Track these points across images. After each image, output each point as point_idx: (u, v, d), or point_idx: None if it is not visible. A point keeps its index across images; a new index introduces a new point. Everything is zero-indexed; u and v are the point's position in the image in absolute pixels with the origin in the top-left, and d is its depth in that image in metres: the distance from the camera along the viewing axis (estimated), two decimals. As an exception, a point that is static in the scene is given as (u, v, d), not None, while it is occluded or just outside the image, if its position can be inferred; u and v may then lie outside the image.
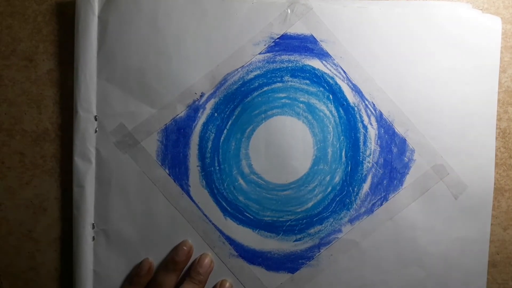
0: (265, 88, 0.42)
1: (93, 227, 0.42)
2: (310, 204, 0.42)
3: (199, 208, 0.42)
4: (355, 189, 0.42)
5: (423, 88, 0.42)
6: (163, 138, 0.42)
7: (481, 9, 0.43)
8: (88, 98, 0.41)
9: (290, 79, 0.42)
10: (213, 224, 0.42)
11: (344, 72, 0.42)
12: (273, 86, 0.42)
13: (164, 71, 0.42)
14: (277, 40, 0.42)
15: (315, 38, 0.42)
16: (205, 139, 0.42)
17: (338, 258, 0.42)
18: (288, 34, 0.42)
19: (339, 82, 0.42)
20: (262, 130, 0.42)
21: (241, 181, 0.42)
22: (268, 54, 0.42)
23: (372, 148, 0.42)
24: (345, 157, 0.42)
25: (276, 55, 0.42)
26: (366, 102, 0.42)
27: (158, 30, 0.41)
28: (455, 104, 0.42)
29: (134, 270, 0.42)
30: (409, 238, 0.42)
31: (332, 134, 0.42)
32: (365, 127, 0.42)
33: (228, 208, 0.42)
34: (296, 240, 0.42)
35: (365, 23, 0.41)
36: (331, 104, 0.42)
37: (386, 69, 0.42)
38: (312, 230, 0.42)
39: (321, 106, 0.42)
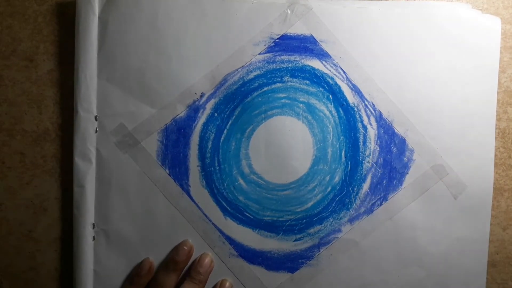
0: (265, 88, 0.42)
1: (94, 227, 0.42)
2: (310, 204, 0.42)
3: (199, 208, 0.42)
4: (355, 189, 0.42)
5: (422, 88, 0.42)
6: (163, 138, 0.42)
7: (481, 10, 0.43)
8: (89, 98, 0.41)
9: (290, 79, 0.42)
10: (213, 224, 0.42)
11: (344, 72, 0.42)
12: (273, 86, 0.42)
13: (164, 71, 0.42)
14: (277, 40, 0.42)
15: (315, 39, 0.42)
16: (205, 139, 0.42)
17: (338, 258, 0.42)
18: (288, 34, 0.42)
19: (339, 82, 0.42)
20: (262, 130, 0.42)
21: (241, 181, 0.42)
22: (268, 54, 0.42)
23: (372, 148, 0.42)
24: (345, 157, 0.42)
25: (276, 55, 0.42)
26: (366, 102, 0.42)
27: (158, 30, 0.42)
28: (455, 104, 0.42)
29: (134, 270, 0.42)
30: (409, 238, 0.42)
31: (331, 134, 0.42)
32: (364, 127, 0.42)
33: (228, 208, 0.42)
34: (296, 240, 0.42)
35: (365, 23, 0.42)
36: (331, 104, 0.42)
37: (386, 69, 0.42)
38: (312, 230, 0.42)
39: (321, 106, 0.42)
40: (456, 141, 0.42)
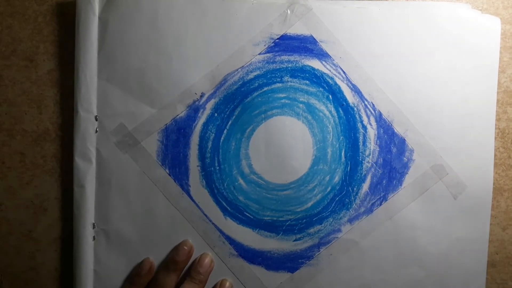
0: (265, 88, 0.42)
1: (94, 227, 0.42)
2: (309, 204, 0.42)
3: (199, 208, 0.42)
4: (355, 189, 0.42)
5: (422, 88, 0.42)
6: (163, 138, 0.42)
7: (481, 10, 0.43)
8: (89, 98, 0.41)
9: (289, 79, 0.42)
10: (213, 224, 0.42)
11: (344, 72, 0.42)
12: (273, 86, 0.42)
13: (164, 71, 0.42)
14: (277, 40, 0.42)
15: (314, 39, 0.42)
16: (205, 139, 0.42)
17: (338, 258, 0.42)
18: (288, 34, 0.42)
19: (339, 82, 0.42)
20: (262, 130, 0.42)
21: (241, 181, 0.42)
22: (268, 54, 0.42)
23: (372, 148, 0.42)
24: (345, 157, 0.42)
25: (276, 56, 0.42)
26: (366, 102, 0.42)
27: (158, 30, 0.42)
28: (455, 104, 0.42)
29: (134, 270, 0.42)
30: (409, 238, 0.42)
31: (331, 134, 0.42)
32: (364, 127, 0.42)
33: (228, 208, 0.42)
34: (295, 240, 0.42)
35: (365, 23, 0.42)
36: (331, 104, 0.42)
37: (386, 69, 0.42)
38: (311, 230, 0.43)
39: (320, 106, 0.42)
40: (456, 141, 0.42)
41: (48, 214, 0.43)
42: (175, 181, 0.42)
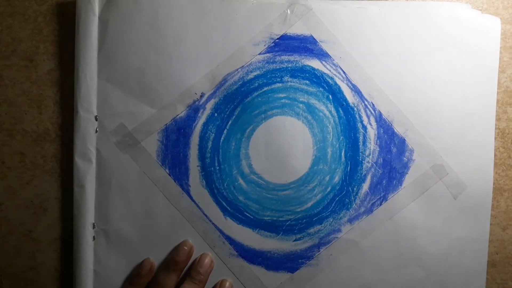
0: (265, 88, 0.42)
1: (94, 227, 0.42)
2: (309, 204, 0.42)
3: (199, 208, 0.42)
4: (355, 189, 0.42)
5: (422, 88, 0.42)
6: (163, 138, 0.42)
7: (481, 10, 0.43)
8: (89, 98, 0.41)
9: (289, 79, 0.42)
10: (213, 224, 0.42)
11: (344, 72, 0.42)
12: (273, 86, 0.42)
13: (164, 71, 0.42)
14: (277, 40, 0.42)
15: (314, 39, 0.42)
16: (205, 139, 0.42)
17: (338, 258, 0.42)
18: (288, 34, 0.42)
19: (339, 82, 0.42)
20: (262, 130, 0.42)
21: (241, 181, 0.42)
22: (268, 54, 0.42)
23: (372, 148, 0.42)
24: (345, 157, 0.42)
25: (276, 56, 0.42)
26: (366, 102, 0.42)
27: (158, 30, 0.42)
28: (455, 104, 0.42)
29: (134, 270, 0.42)
30: (409, 238, 0.42)
31: (331, 134, 0.42)
32: (364, 127, 0.42)
33: (228, 208, 0.42)
34: (295, 240, 0.42)
35: (365, 23, 0.42)
36: (331, 104, 0.42)
37: (386, 69, 0.42)
38: (311, 230, 0.43)
39: (320, 106, 0.42)
40: (456, 141, 0.42)
41: (48, 214, 0.43)
42: (175, 181, 0.42)
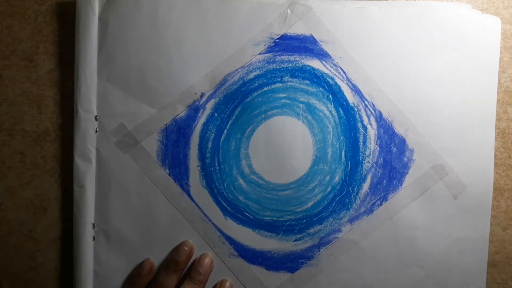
0: (265, 88, 0.42)
1: (94, 227, 0.42)
2: (310, 204, 0.42)
3: (199, 208, 0.42)
4: (355, 189, 0.42)
5: (422, 88, 0.42)
6: (163, 138, 0.42)
7: (481, 10, 0.43)
8: (89, 98, 0.41)
9: (290, 79, 0.42)
10: (213, 224, 0.42)
11: (344, 72, 0.42)
12: (273, 86, 0.42)
13: (164, 71, 0.42)
14: (277, 40, 0.42)
15: (315, 39, 0.42)
16: (205, 139, 0.42)
17: (338, 258, 0.42)
18: (288, 34, 0.42)
19: (339, 82, 0.42)
20: (262, 130, 0.42)
21: (241, 181, 0.42)
22: (268, 54, 0.42)
23: (372, 148, 0.42)
24: (345, 157, 0.42)
25: (276, 56, 0.42)
26: (366, 102, 0.42)
27: (158, 30, 0.42)
28: (455, 104, 0.42)
29: (135, 270, 0.42)
30: (409, 238, 0.42)
31: (331, 134, 0.42)
32: (364, 127, 0.42)
33: (228, 208, 0.42)
34: (296, 240, 0.42)
35: (365, 23, 0.42)
36: (331, 104, 0.42)
37: (386, 69, 0.42)
38: (312, 230, 0.42)
39: (320, 106, 0.42)
40: (456, 141, 0.42)
41: (48, 214, 0.43)
42: (175, 181, 0.42)
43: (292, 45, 0.42)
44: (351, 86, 0.42)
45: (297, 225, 0.42)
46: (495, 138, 0.43)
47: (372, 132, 0.42)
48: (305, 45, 0.42)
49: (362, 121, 0.42)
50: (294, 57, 0.42)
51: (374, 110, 0.42)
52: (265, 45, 0.42)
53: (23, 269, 0.43)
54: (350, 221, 0.42)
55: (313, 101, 0.42)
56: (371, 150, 0.42)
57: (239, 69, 0.42)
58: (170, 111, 0.42)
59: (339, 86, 0.42)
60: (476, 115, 0.42)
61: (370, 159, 0.42)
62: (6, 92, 0.43)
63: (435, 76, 0.42)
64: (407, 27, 0.42)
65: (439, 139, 0.42)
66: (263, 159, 0.42)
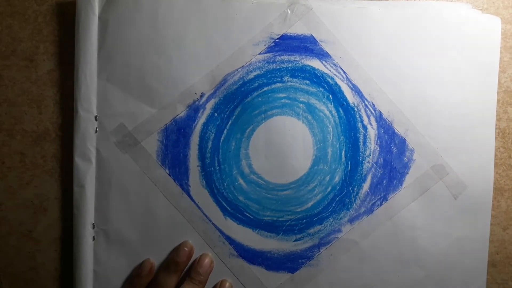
0: (265, 88, 0.42)
1: (93, 227, 0.42)
2: (310, 204, 0.42)
3: (199, 208, 0.42)
4: (355, 189, 0.42)
5: (422, 88, 0.42)
6: (163, 138, 0.42)
7: (481, 9, 0.43)
8: (89, 98, 0.41)
9: (290, 79, 0.42)
10: (213, 224, 0.42)
11: (344, 72, 0.42)
12: (273, 86, 0.42)
13: (164, 71, 0.42)
14: (277, 40, 0.42)
15: (315, 39, 0.42)
16: (205, 139, 0.42)
17: (338, 258, 0.42)
18: (288, 34, 0.42)
19: (339, 82, 0.42)
20: (262, 130, 0.42)
21: (241, 181, 0.42)
22: (268, 54, 0.42)
23: (372, 148, 0.42)
24: (345, 157, 0.42)
25: (276, 55, 0.42)
26: (366, 102, 0.42)
27: (158, 30, 0.42)
28: (455, 104, 0.42)
29: (135, 270, 0.42)
30: (409, 238, 0.42)
31: (332, 134, 0.42)
32: (364, 127, 0.42)
33: (228, 208, 0.42)
34: (296, 240, 0.42)
35: (365, 23, 0.42)
36: (331, 104, 0.42)
37: (386, 69, 0.42)
38: (312, 230, 0.42)
39: (321, 106, 0.42)
40: (456, 141, 0.42)
41: (48, 214, 0.43)
42: (175, 181, 0.42)
43: (292, 45, 0.42)
44: (351, 86, 0.42)
45: (297, 225, 0.42)
46: (495, 138, 0.43)
47: (372, 132, 0.42)
48: (305, 45, 0.42)
49: (362, 121, 0.42)
50: (294, 57, 0.42)
51: (374, 110, 0.42)
52: (265, 45, 0.42)
53: (23, 269, 0.43)
54: (350, 221, 0.42)
55: (313, 101, 0.42)
56: (371, 150, 0.42)
57: (239, 69, 0.42)
58: (170, 111, 0.42)
59: (339, 86, 0.42)
60: (476, 115, 0.42)
61: (370, 159, 0.42)
62: (6, 92, 0.43)
63: (435, 76, 0.42)
64: (407, 27, 0.42)
65: (439, 139, 0.42)
66: (263, 159, 0.42)
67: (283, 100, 0.42)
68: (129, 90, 0.42)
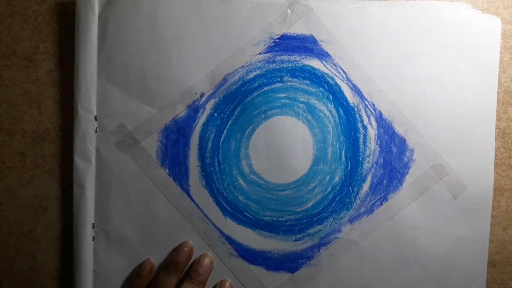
0: (265, 88, 0.42)
1: (93, 227, 0.42)
2: (310, 204, 0.42)
3: (199, 208, 0.42)
4: (355, 189, 0.42)
5: (422, 88, 0.42)
6: (163, 138, 0.42)
7: (481, 9, 0.43)
8: (88, 98, 0.41)
9: (290, 79, 0.42)
10: (213, 224, 0.42)
11: (344, 72, 0.42)
12: (273, 86, 0.42)
13: (164, 71, 0.42)
14: (277, 40, 0.42)
15: (315, 38, 0.42)
16: (205, 139, 0.42)
17: (338, 258, 0.42)
18: (288, 34, 0.42)
19: (339, 82, 0.42)
20: (262, 130, 0.42)
21: (241, 181, 0.42)
22: (268, 54, 0.42)
23: (372, 148, 0.42)
24: (345, 157, 0.42)
25: (276, 55, 0.42)
26: (366, 102, 0.42)
27: (158, 30, 0.41)
28: (455, 104, 0.42)
29: (135, 271, 0.42)
30: (409, 238, 0.42)
31: (332, 134, 0.42)
32: (364, 127, 0.42)
33: (228, 208, 0.42)
34: (296, 240, 0.42)
35: (365, 23, 0.42)
36: (331, 104, 0.42)
37: (386, 69, 0.42)
38: (312, 230, 0.42)
39: (321, 106, 0.42)
40: (456, 141, 0.42)
41: (48, 214, 0.43)
42: (175, 181, 0.42)
43: (292, 45, 0.42)
44: (351, 86, 0.42)
45: (297, 225, 0.42)
46: (495, 138, 0.43)
47: (372, 132, 0.42)
48: (305, 45, 0.42)
49: (362, 121, 0.42)
50: (294, 57, 0.42)
51: (374, 110, 0.42)
52: (265, 45, 0.42)
53: (23, 269, 0.43)
54: (350, 221, 0.42)
55: (313, 101, 0.42)
56: (371, 150, 0.42)
57: (239, 69, 0.42)
58: (170, 111, 0.42)
59: (339, 86, 0.42)
60: (476, 115, 0.42)
61: (370, 159, 0.42)
62: (6, 92, 0.43)
63: (435, 76, 0.42)
64: (407, 27, 0.42)
65: (439, 139, 0.42)
66: (263, 159, 0.42)
67: (283, 100, 0.42)
68: (129, 90, 0.42)
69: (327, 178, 0.42)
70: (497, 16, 0.42)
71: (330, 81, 0.42)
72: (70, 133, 0.42)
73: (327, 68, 0.42)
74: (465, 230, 0.42)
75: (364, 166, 0.42)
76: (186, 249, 0.41)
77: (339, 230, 0.42)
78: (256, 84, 0.42)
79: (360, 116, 0.42)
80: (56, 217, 0.43)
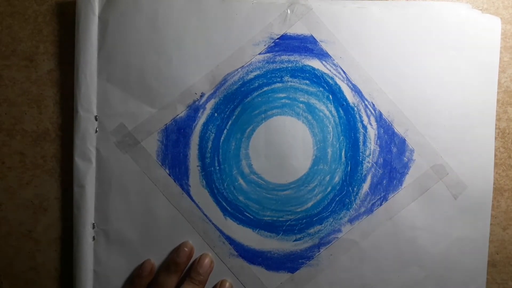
0: (265, 88, 0.42)
1: (94, 227, 0.42)
2: (310, 204, 0.42)
3: (199, 208, 0.42)
4: (355, 189, 0.42)
5: (422, 88, 0.42)
6: (163, 138, 0.42)
7: (481, 9, 0.43)
8: (89, 98, 0.41)
9: (290, 79, 0.42)
10: (213, 224, 0.42)
11: (344, 72, 0.42)
12: (273, 86, 0.42)
13: (164, 71, 0.42)
14: (277, 40, 0.42)
15: (315, 39, 0.42)
16: (205, 139, 0.42)
17: (338, 258, 0.42)
18: (288, 34, 0.42)
19: (339, 82, 0.42)
20: (262, 130, 0.42)
21: (241, 181, 0.42)
22: (268, 54, 0.42)
23: (372, 148, 0.42)
24: (345, 157, 0.42)
25: (276, 55, 0.42)
26: (366, 102, 0.42)
27: (158, 30, 0.42)
28: (455, 104, 0.42)
29: (135, 271, 0.42)
30: (409, 238, 0.42)
31: (331, 134, 0.42)
32: (364, 127, 0.42)
33: (228, 208, 0.42)
34: (296, 240, 0.42)
35: (365, 23, 0.42)
36: (331, 104, 0.42)
37: (386, 69, 0.42)
38: (312, 230, 0.42)
39: (321, 106, 0.42)
40: (456, 141, 0.42)
41: (48, 214, 0.43)
42: (175, 181, 0.42)
43: (292, 45, 0.42)
44: (351, 86, 0.42)
45: (297, 225, 0.42)
46: (495, 138, 0.43)
47: (372, 132, 0.42)
48: (305, 45, 0.42)
49: (362, 121, 0.42)
50: (294, 57, 0.42)
51: (374, 110, 0.42)
52: (265, 45, 0.42)
53: (23, 269, 0.43)
54: (350, 221, 0.42)
55: (313, 101, 0.42)
56: (371, 150, 0.42)
57: (239, 69, 0.42)
58: (170, 111, 0.42)
59: (339, 86, 0.42)
60: (476, 115, 0.42)
61: (370, 159, 0.42)
62: (6, 92, 0.43)
63: (435, 76, 0.42)
64: (407, 27, 0.42)
65: (439, 139, 0.42)
66: (263, 159, 0.42)
67: (283, 100, 0.42)
68: (129, 90, 0.42)
69: (327, 178, 0.42)
70: (497, 16, 0.42)
71: (330, 81, 0.42)
72: (70, 133, 0.42)
73: (327, 68, 0.42)
74: (465, 230, 0.42)
75: (364, 166, 0.42)
76: (186, 249, 0.41)
77: (339, 230, 0.42)
78: (256, 84, 0.42)
79: (360, 116, 0.42)
80: (56, 217, 0.43)
